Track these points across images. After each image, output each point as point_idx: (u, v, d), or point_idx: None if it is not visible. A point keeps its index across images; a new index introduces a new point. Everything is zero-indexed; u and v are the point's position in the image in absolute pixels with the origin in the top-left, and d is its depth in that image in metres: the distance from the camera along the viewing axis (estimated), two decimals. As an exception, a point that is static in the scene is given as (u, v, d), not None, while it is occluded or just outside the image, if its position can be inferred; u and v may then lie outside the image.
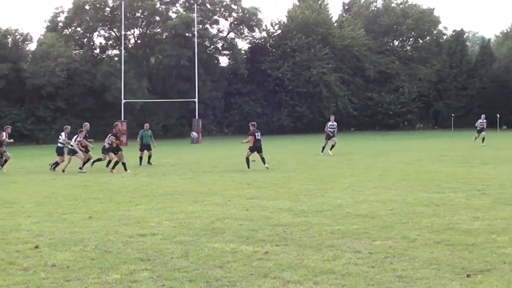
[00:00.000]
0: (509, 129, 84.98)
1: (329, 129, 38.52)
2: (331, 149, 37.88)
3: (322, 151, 38.07)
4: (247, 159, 29.21)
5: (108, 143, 30.31)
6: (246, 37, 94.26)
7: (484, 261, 9.55)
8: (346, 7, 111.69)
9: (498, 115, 78.96)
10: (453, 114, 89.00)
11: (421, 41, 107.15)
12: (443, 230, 12.06)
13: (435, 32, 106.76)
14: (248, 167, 28.76)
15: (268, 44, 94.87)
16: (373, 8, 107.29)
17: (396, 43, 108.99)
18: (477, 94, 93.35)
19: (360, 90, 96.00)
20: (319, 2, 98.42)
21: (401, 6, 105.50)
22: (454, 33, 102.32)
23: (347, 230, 12.35)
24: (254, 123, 30.61)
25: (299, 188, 20.22)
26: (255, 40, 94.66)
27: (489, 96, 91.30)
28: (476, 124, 46.44)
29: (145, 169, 30.96)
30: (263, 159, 29.21)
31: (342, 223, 13.28)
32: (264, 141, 30.51)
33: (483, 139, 43.89)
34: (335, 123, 39.21)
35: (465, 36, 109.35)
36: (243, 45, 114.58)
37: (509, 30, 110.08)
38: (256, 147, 29.40)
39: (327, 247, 10.89)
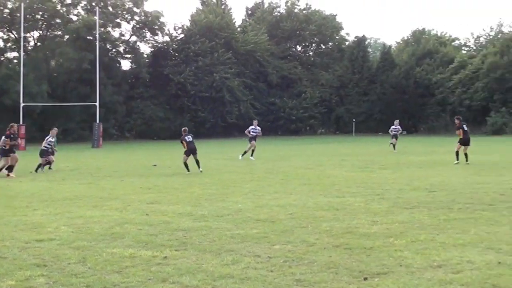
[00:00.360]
0: (409, 134, 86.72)
1: (252, 133, 38.38)
2: (252, 154, 37.79)
3: (243, 155, 38.22)
4: (185, 164, 29.09)
5: (3, 146, 29.42)
6: (149, 41, 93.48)
7: (381, 264, 9.69)
8: (250, 12, 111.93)
9: (398, 121, 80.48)
10: (354, 119, 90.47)
11: (323, 47, 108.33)
12: (342, 234, 12.18)
13: (337, 38, 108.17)
14: (188, 170, 28.57)
15: (170, 48, 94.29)
16: (276, 13, 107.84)
17: (299, 48, 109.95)
18: (378, 99, 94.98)
19: (262, 95, 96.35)
20: (223, 7, 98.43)
21: (304, 11, 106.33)
22: (356, 39, 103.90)
23: (247, 235, 12.36)
24: (186, 128, 31.17)
25: (200, 193, 20.14)
26: (157, 44, 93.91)
27: (389, 101, 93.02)
28: (389, 130, 46.62)
29: (44, 174, 30.38)
30: (197, 162, 29.28)
31: (242, 227, 13.28)
32: (166, 146, 30.29)
33: (394, 146, 43.97)
34: (258, 128, 39.05)
35: (366, 43, 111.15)
36: (145, 49, 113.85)
37: (409, 37, 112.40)
38: (190, 150, 29.44)
39: (226, 252, 10.88)
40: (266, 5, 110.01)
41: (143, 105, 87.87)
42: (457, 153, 31.38)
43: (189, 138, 29.86)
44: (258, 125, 39.40)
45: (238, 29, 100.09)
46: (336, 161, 34.88)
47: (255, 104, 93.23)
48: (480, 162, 31.24)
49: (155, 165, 30.84)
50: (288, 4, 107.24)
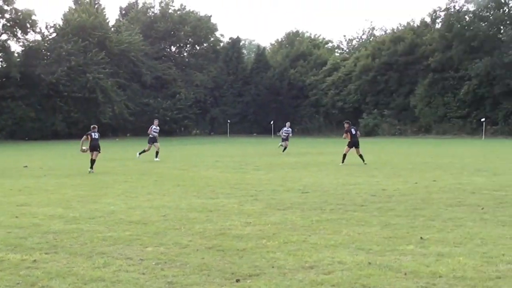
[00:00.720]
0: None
1: (153, 132, 37.89)
2: (156, 156, 37.31)
3: (140, 154, 38.19)
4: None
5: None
6: (20, 40, 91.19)
7: (254, 265, 9.70)
8: (124, 12, 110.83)
9: (272, 122, 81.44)
10: (229, 120, 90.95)
11: (198, 48, 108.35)
12: (215, 236, 12.16)
13: (212, 39, 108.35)
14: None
15: (42, 48, 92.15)
16: (150, 13, 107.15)
17: (173, 49, 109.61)
18: (252, 101, 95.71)
19: (136, 95, 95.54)
20: (96, 6, 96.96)
21: (178, 12, 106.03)
22: (230, 40, 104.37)
23: (119, 237, 12.19)
24: (95, 126, 31.22)
25: (72, 195, 19.75)
26: (29, 43, 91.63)
27: (264, 103, 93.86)
28: (279, 133, 46.42)
29: None
30: (92, 162, 29.26)
31: (115, 229, 13.09)
32: (37, 147, 29.64)
33: (285, 148, 43.70)
34: (158, 128, 38.59)
35: (241, 44, 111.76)
36: (16, 47, 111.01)
37: (283, 39, 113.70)
38: (92, 147, 29.64)
39: (98, 254, 10.69)
40: (140, 5, 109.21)
41: (14, 105, 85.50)
42: (344, 156, 31.87)
43: (95, 135, 29.79)
44: (158, 125, 39.17)
45: (112, 29, 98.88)
46: (210, 162, 34.90)
47: (129, 105, 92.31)
48: (352, 163, 31.84)
49: (26, 166, 30.09)
50: (163, 4, 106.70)
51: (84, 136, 30.07)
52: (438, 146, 52.01)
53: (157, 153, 37.42)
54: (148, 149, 37.84)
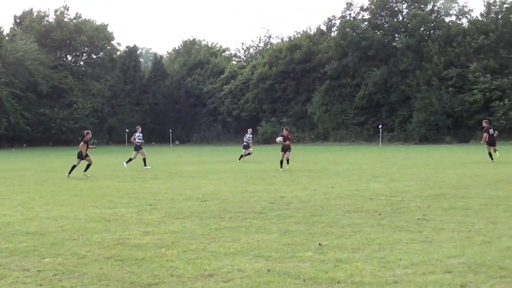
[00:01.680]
0: (182, 144, 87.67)
1: (137, 140, 37.55)
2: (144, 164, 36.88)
3: (127, 163, 37.32)
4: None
5: None
6: None
7: (153, 275, 9.64)
8: (18, 20, 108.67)
9: (170, 131, 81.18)
10: (127, 130, 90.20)
11: (95, 57, 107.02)
12: (113, 246, 12.04)
13: (108, 47, 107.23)
14: None
15: None
16: (45, 22, 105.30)
17: (69, 58, 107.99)
18: (150, 109, 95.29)
19: (33, 105, 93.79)
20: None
21: (74, 21, 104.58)
22: (127, 49, 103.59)
23: (16, 248, 11.95)
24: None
25: (-34, 207, 19.27)
26: None
27: (162, 111, 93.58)
28: (244, 140, 45.68)
29: None
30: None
31: (11, 241, 12.82)
32: None
33: (248, 154, 43.69)
34: (141, 135, 38.29)
35: (138, 52, 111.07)
36: None
37: (180, 48, 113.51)
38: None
39: (-6, 267, 10.46)
40: (35, 14, 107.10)
41: None
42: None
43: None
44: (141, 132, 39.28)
45: (6, 38, 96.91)
46: (108, 171, 34.56)
47: (25, 115, 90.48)
48: (251, 171, 32.00)
49: None
50: (58, 13, 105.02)
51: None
52: (336, 153, 52.75)
53: (144, 160, 37.14)
54: (134, 157, 37.41)
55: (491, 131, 37.09)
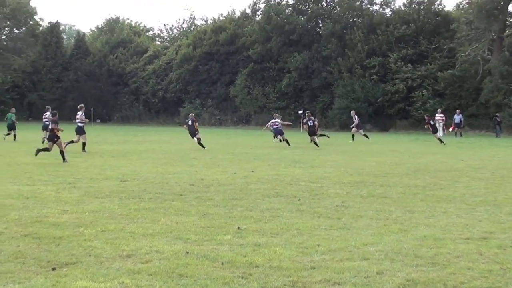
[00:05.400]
0: (103, 123, 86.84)
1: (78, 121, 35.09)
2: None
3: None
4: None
5: None
6: None
7: (70, 254, 9.60)
8: None
9: (92, 109, 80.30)
10: (47, 106, 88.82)
11: (16, 31, 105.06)
12: (31, 223, 11.93)
13: (31, 23, 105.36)
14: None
15: None
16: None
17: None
18: (71, 86, 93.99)
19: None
20: None
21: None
22: (49, 25, 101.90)
23: None
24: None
25: None
26: None
27: (83, 89, 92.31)
28: (267, 126, 44.22)
29: None
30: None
31: None
32: None
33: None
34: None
35: (61, 29, 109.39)
36: None
37: (103, 26, 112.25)
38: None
39: None
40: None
41: None
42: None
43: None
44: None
45: None
46: (28, 148, 33.96)
47: None
48: (171, 152, 31.96)
49: None
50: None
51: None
52: (257, 137, 52.98)
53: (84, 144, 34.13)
54: (77, 141, 34.19)
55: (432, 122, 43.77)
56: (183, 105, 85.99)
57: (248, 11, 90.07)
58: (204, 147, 34.72)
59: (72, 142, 33.35)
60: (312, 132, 39.91)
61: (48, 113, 37.24)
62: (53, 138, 27.27)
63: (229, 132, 53.91)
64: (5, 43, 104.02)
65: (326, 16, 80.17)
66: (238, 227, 11.80)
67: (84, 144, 33.33)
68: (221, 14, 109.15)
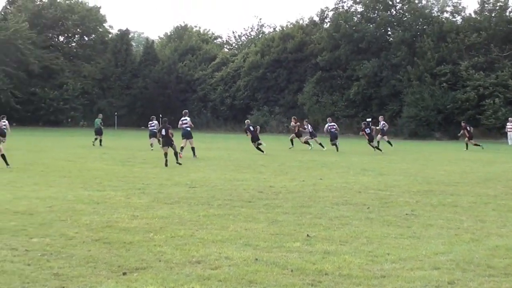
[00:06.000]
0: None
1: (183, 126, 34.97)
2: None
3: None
4: None
5: None
6: None
7: (141, 259, 9.67)
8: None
9: (160, 116, 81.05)
10: (116, 113, 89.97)
11: (86, 39, 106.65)
12: (101, 228, 12.06)
13: (100, 30, 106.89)
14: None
15: None
16: (38, 2, 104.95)
17: (61, 39, 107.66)
18: (140, 93, 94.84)
19: (23, 84, 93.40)
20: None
21: (67, 2, 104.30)
22: (119, 32, 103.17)
23: (4, 227, 12.00)
24: None
25: (-46, 184, 19.27)
26: None
27: (152, 96, 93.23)
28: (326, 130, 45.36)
29: None
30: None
31: (0, 219, 12.83)
32: None
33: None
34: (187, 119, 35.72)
35: (130, 36, 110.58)
36: None
37: (172, 33, 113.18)
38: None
39: (-18, 245, 10.49)
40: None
41: None
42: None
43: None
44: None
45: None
46: (97, 154, 34.52)
47: (15, 93, 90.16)
48: (240, 159, 32.02)
49: None
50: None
51: None
52: (326, 145, 52.75)
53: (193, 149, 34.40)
54: (184, 145, 34.17)
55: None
56: (251, 112, 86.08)
57: (316, 18, 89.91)
58: (263, 152, 35.07)
59: (182, 148, 33.29)
60: (371, 139, 41.56)
61: (154, 122, 38.33)
62: (170, 142, 28.80)
63: (297, 139, 53.60)
64: (75, 50, 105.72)
65: (395, 23, 79.54)
66: (307, 235, 11.75)
67: (193, 148, 34.03)
68: (289, 22, 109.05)
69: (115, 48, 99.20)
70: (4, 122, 38.92)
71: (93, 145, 43.25)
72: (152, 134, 39.73)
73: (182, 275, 8.83)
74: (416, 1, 79.07)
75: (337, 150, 41.00)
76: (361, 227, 12.77)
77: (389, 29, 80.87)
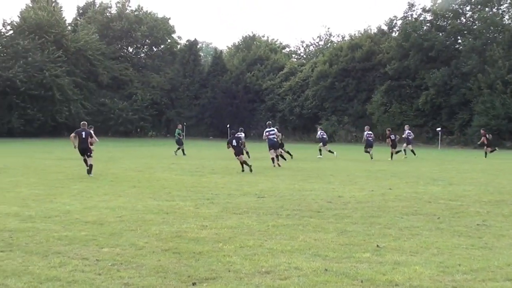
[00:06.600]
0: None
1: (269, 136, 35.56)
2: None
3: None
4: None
5: None
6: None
7: (210, 269, 9.67)
8: (81, 11, 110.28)
9: (228, 126, 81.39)
10: (185, 123, 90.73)
11: (155, 49, 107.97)
12: (171, 238, 12.10)
13: (169, 41, 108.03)
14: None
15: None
16: (107, 13, 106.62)
17: (130, 49, 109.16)
18: (209, 103, 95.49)
19: (93, 95, 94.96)
20: (53, 4, 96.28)
21: (135, 13, 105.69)
22: (187, 43, 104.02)
23: (75, 237, 12.11)
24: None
25: (27, 193, 19.59)
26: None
27: (220, 106, 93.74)
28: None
29: None
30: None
31: (70, 229, 13.01)
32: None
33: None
34: (275, 129, 36.70)
35: (198, 46, 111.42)
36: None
37: (240, 43, 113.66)
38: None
39: (53, 254, 10.65)
40: (97, 5, 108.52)
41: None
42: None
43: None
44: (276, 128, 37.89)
45: (69, 28, 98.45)
46: (166, 164, 34.78)
47: (85, 104, 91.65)
48: (308, 169, 31.92)
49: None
50: (119, 5, 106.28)
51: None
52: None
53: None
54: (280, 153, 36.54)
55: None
56: (320, 121, 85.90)
57: (385, 27, 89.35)
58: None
59: (273, 160, 34.56)
60: (394, 146, 43.08)
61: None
62: (241, 151, 31.99)
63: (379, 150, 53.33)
64: (144, 61, 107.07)
65: (465, 31, 78.53)
66: (377, 245, 11.62)
67: (277, 157, 35.09)
68: (358, 31, 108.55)
69: (184, 58, 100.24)
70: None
71: (175, 154, 44.80)
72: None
73: (251, 285, 8.81)
74: (487, 9, 77.95)
75: (371, 158, 42.08)
76: (431, 237, 12.58)
77: (459, 37, 79.88)
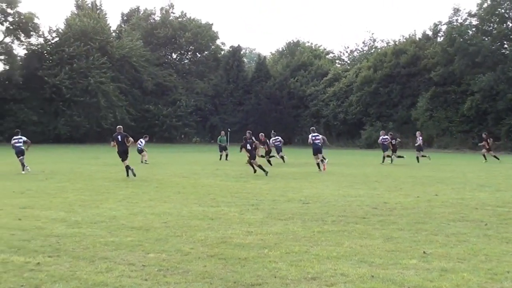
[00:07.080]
0: (284, 146, 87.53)
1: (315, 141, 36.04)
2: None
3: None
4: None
5: None
6: (23, 43, 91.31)
7: (256, 275, 9.65)
8: (125, 17, 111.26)
9: (272, 131, 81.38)
10: (229, 129, 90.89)
11: (199, 55, 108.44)
12: (216, 244, 12.11)
13: (213, 47, 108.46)
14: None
15: (45, 51, 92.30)
16: (151, 20, 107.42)
17: (174, 56, 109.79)
18: (252, 109, 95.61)
19: (137, 101, 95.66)
20: (98, 11, 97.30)
21: (179, 19, 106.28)
22: (231, 49, 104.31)
23: (121, 242, 12.18)
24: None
25: (74, 199, 19.78)
26: (32, 46, 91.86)
27: (264, 112, 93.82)
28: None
29: None
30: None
31: (117, 235, 13.09)
32: (39, 150, 29.57)
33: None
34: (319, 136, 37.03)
35: (242, 52, 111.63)
36: (19, 51, 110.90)
37: (284, 49, 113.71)
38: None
39: (100, 259, 10.72)
40: (141, 11, 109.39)
41: (16, 108, 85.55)
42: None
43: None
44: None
45: (113, 34, 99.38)
46: (210, 170, 34.86)
47: (130, 110, 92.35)
48: (353, 175, 31.78)
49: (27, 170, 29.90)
50: (163, 11, 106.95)
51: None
52: (439, 160, 51.89)
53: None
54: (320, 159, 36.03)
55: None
56: (364, 127, 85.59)
57: (429, 32, 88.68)
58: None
59: (318, 165, 35.30)
60: (394, 150, 45.07)
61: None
62: (255, 156, 32.52)
63: (411, 155, 52.94)
64: (187, 67, 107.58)
65: (511, 36, 77.65)
66: (424, 252, 11.51)
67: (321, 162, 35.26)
68: (402, 36, 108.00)
69: (227, 64, 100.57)
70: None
71: (220, 159, 46.61)
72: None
73: (297, 292, 8.79)
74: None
75: (391, 162, 43.73)
76: (479, 244, 12.43)
77: (505, 42, 78.98)
